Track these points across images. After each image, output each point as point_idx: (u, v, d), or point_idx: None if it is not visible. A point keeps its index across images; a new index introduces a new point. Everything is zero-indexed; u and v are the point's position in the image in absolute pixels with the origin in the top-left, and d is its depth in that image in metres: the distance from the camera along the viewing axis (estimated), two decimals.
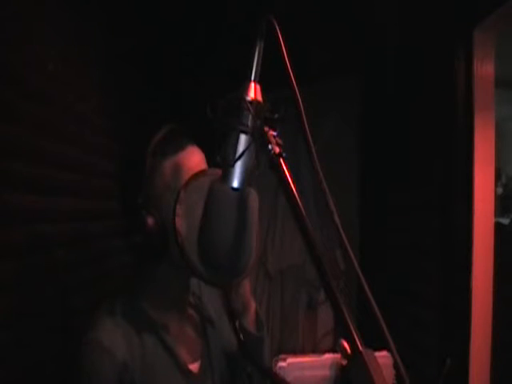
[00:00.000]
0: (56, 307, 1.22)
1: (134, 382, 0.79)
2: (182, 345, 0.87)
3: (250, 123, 0.61)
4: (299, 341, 2.72)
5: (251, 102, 0.61)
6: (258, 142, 0.61)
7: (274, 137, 0.61)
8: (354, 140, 2.65)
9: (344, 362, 0.50)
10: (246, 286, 0.88)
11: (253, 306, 0.91)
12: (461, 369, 1.50)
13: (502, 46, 1.57)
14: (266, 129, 0.61)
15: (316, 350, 2.67)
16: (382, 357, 0.64)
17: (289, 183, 0.57)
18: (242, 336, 0.82)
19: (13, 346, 1.03)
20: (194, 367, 0.87)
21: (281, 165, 0.58)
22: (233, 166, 0.61)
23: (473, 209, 1.52)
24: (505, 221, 2.68)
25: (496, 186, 2.15)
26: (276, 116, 0.63)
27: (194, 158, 0.84)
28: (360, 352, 0.47)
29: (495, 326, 1.54)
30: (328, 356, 0.96)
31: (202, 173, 0.79)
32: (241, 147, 0.61)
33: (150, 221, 0.79)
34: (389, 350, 0.50)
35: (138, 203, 0.80)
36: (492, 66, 1.54)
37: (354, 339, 0.48)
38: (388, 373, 0.86)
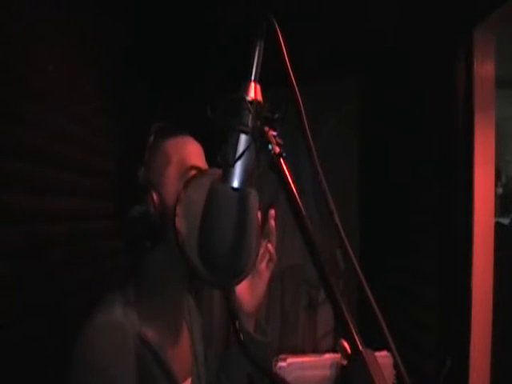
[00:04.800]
0: (56, 307, 1.22)
1: (155, 353, 0.76)
2: (175, 362, 0.83)
3: (250, 123, 0.61)
4: (299, 341, 2.73)
5: (251, 102, 0.61)
6: (258, 142, 0.61)
7: (274, 137, 0.61)
8: (353, 140, 2.66)
9: (344, 362, 0.50)
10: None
11: None
12: (461, 369, 1.50)
13: (501, 46, 1.57)
14: (266, 129, 0.61)
15: (316, 350, 2.67)
16: (382, 357, 0.64)
17: (289, 183, 0.57)
18: (242, 336, 0.82)
19: (12, 346, 1.03)
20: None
21: (281, 165, 0.58)
22: (233, 165, 0.61)
23: (473, 209, 1.52)
24: (505, 221, 2.68)
25: (496, 186, 2.15)
26: (276, 116, 0.62)
27: (193, 146, 0.86)
28: (360, 352, 0.47)
29: (495, 326, 1.54)
30: (328, 356, 0.96)
31: (202, 173, 0.79)
32: (241, 147, 0.61)
33: (150, 196, 0.77)
34: (389, 349, 0.50)
35: (138, 178, 0.78)
36: (492, 66, 1.54)
37: (354, 339, 0.48)
38: (388, 373, 0.87)
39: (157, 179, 0.79)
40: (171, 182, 0.79)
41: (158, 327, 0.81)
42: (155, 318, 0.82)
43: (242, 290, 0.92)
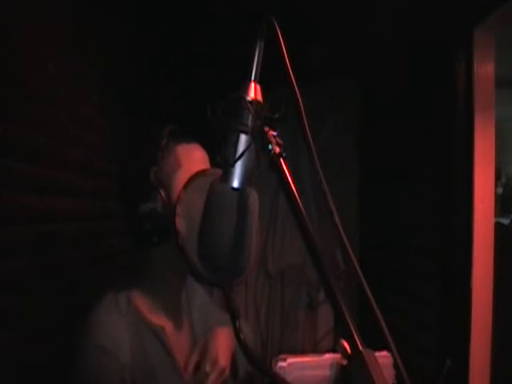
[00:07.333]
0: (56, 307, 1.22)
1: (135, 381, 0.79)
2: (176, 351, 0.87)
3: (249, 123, 0.61)
4: (299, 341, 2.72)
5: (251, 102, 0.61)
6: (258, 142, 0.61)
7: (274, 137, 0.61)
8: (353, 140, 2.65)
9: (344, 362, 0.49)
10: None
11: None
12: (461, 369, 1.50)
13: (502, 46, 1.57)
14: (266, 129, 0.61)
15: (316, 350, 2.67)
16: (382, 357, 0.64)
17: (289, 183, 0.57)
18: (242, 336, 0.82)
19: (12, 346, 1.03)
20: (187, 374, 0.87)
21: (281, 165, 0.58)
22: (233, 165, 0.61)
23: (473, 209, 1.52)
24: (505, 221, 2.67)
25: (496, 186, 2.15)
26: (276, 116, 0.62)
27: (201, 153, 0.90)
28: (360, 352, 0.47)
29: (495, 326, 1.54)
30: (328, 356, 0.96)
31: (202, 173, 0.80)
32: (241, 147, 0.61)
33: (159, 195, 0.81)
34: (389, 350, 0.50)
35: (149, 177, 0.82)
36: (492, 66, 1.54)
37: (354, 339, 0.48)
38: (388, 373, 0.86)
39: (166, 181, 0.83)
40: (180, 186, 0.81)
41: (161, 317, 0.86)
42: (157, 308, 0.86)
43: None
